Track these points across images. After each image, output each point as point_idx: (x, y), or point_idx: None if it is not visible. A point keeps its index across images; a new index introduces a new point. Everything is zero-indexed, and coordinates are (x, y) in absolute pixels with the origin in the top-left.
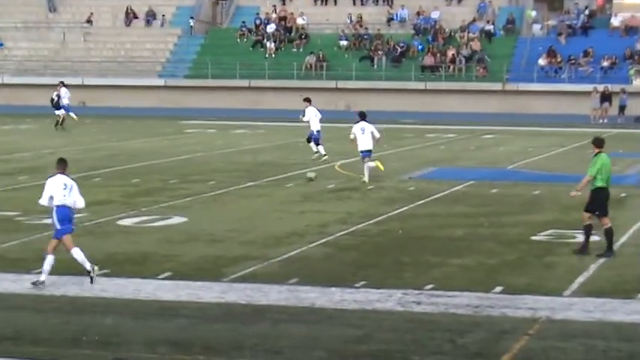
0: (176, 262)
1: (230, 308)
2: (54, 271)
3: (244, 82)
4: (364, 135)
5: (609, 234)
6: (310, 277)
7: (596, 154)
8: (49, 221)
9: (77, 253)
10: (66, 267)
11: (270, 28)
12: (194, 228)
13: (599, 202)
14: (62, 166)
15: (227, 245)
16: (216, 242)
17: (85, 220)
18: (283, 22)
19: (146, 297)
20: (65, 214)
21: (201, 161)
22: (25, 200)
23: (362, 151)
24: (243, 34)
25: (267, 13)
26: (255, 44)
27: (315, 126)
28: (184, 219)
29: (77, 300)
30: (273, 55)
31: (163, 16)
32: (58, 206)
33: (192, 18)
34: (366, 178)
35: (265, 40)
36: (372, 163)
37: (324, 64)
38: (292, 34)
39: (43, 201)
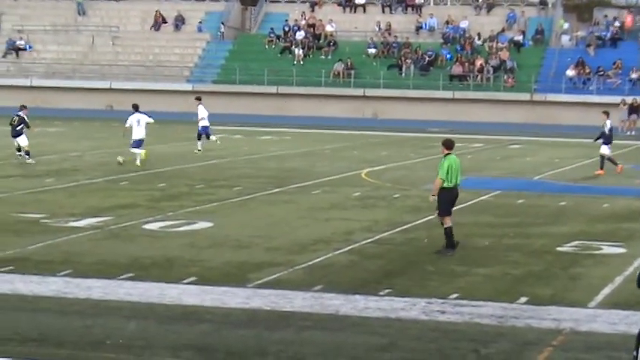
0: (201, 267)
1: (254, 314)
2: (79, 274)
3: (272, 89)
4: (139, 126)
5: (449, 234)
6: (335, 285)
7: (445, 156)
8: (74, 224)
9: None
10: (91, 270)
11: (299, 34)
12: (219, 233)
13: (445, 202)
14: None
15: (252, 251)
16: (242, 248)
17: (111, 223)
18: (312, 29)
19: (171, 301)
20: None
21: (227, 167)
22: (51, 203)
23: (136, 140)
24: (272, 41)
25: (295, 20)
26: (283, 51)
27: (204, 122)
28: (210, 224)
29: (101, 303)
30: (301, 62)
31: (200, 22)
32: None
33: (222, 24)
34: (138, 162)
35: (293, 47)
36: (138, 150)
37: (352, 71)
38: (320, 41)
39: None
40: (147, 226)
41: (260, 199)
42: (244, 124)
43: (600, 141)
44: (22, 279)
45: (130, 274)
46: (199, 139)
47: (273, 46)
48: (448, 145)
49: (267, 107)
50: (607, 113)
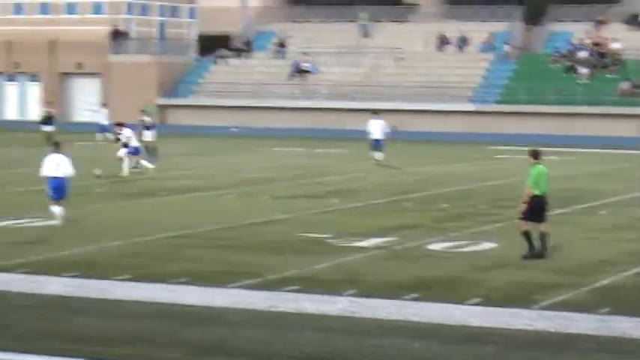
0: (485, 287)
1: (539, 336)
2: (364, 293)
3: (556, 108)
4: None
5: (544, 239)
6: (622, 307)
7: (533, 165)
8: (359, 243)
9: None
10: (376, 289)
11: (584, 53)
12: (504, 254)
13: (533, 209)
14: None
15: (536, 272)
16: (526, 269)
17: (395, 243)
18: (597, 48)
19: (455, 322)
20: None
21: (512, 187)
22: (336, 222)
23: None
24: (556, 60)
25: (580, 39)
26: (568, 69)
27: (134, 142)
28: (494, 245)
29: (387, 323)
30: (587, 81)
31: (484, 42)
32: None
33: (506, 44)
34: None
35: (578, 66)
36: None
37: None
38: (606, 60)
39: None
40: (431, 247)
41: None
42: (528, 144)
43: None
44: (307, 298)
45: (415, 295)
46: (375, 150)
47: (558, 66)
48: (535, 155)
49: (550, 127)
50: None
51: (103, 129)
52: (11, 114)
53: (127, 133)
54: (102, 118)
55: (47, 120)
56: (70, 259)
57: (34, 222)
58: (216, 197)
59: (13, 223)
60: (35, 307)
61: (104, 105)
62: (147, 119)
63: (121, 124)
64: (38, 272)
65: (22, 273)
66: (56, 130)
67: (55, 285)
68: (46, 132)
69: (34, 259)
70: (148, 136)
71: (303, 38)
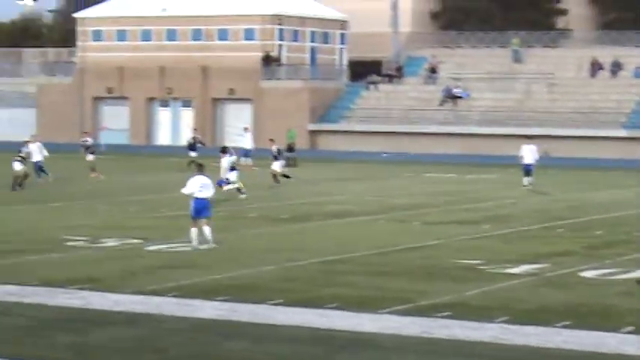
0: (639, 316)
1: None
2: (516, 320)
3: None
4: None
5: None
6: None
7: None
8: (510, 270)
9: None
10: (528, 316)
11: None
12: None
13: None
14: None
15: None
16: None
17: (547, 270)
18: None
19: (609, 350)
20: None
21: None
22: (487, 249)
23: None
24: None
25: None
26: None
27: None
28: None
29: (539, 350)
30: None
31: (638, 67)
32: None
33: None
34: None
35: None
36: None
37: None
38: None
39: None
40: (583, 274)
41: None
42: None
43: None
44: (459, 324)
45: (567, 322)
46: (526, 176)
47: None
48: None
49: None
50: None
51: (246, 153)
52: (164, 139)
53: (223, 163)
54: (246, 142)
55: (193, 146)
56: (222, 283)
57: (185, 246)
58: (368, 223)
59: (165, 247)
60: (187, 330)
61: (247, 129)
62: (274, 148)
63: (225, 150)
64: (190, 296)
65: (174, 296)
66: (201, 154)
67: (207, 309)
68: (191, 157)
69: (186, 283)
70: (277, 166)
71: (454, 64)
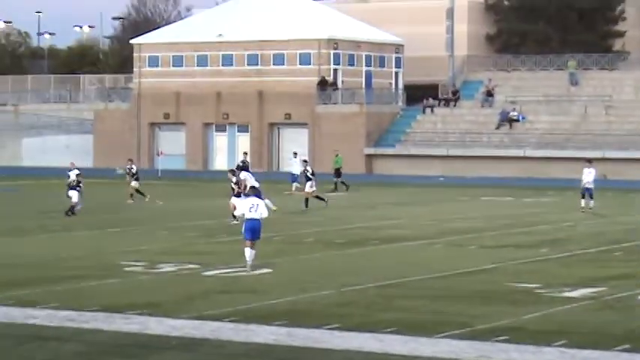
0: None
1: None
2: (574, 344)
3: None
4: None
5: None
6: None
7: None
8: (568, 294)
9: None
10: (586, 340)
11: None
12: None
13: None
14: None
15: None
16: None
17: (606, 294)
18: None
19: None
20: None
21: None
22: (545, 272)
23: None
24: None
25: None
26: None
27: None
28: None
29: None
30: None
31: None
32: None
33: None
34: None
35: None
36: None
37: None
38: None
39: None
40: None
41: None
42: None
43: None
44: (516, 348)
45: (626, 346)
46: (585, 199)
47: None
48: None
49: None
50: None
51: (294, 178)
52: (220, 164)
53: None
54: (294, 167)
55: (242, 169)
56: (279, 307)
57: (242, 271)
58: (425, 247)
59: (223, 272)
60: (243, 355)
61: (296, 155)
62: (308, 169)
63: (233, 171)
64: (247, 321)
65: (231, 321)
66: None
67: (264, 334)
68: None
69: (243, 308)
70: (308, 187)
71: (510, 87)
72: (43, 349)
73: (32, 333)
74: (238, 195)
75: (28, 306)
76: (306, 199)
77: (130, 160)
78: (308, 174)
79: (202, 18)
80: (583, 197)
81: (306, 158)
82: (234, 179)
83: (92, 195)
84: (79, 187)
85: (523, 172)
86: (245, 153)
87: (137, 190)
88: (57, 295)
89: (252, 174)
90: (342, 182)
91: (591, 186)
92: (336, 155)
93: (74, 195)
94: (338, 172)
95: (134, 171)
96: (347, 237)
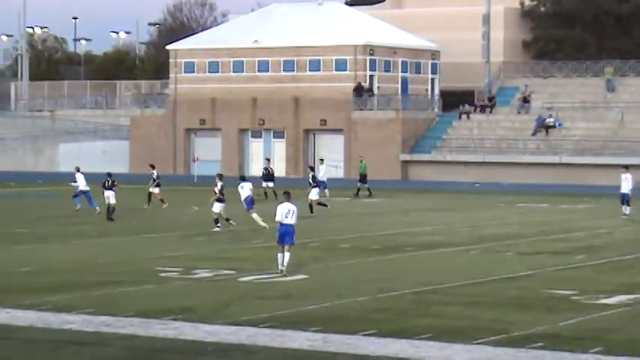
0: None
1: None
2: (610, 351)
3: None
4: (243, 190)
5: None
6: None
7: None
8: (605, 301)
9: None
10: (622, 347)
11: None
12: None
13: None
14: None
15: None
16: None
17: None
18: None
19: None
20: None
21: None
22: (581, 279)
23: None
24: None
25: None
26: None
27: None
28: None
29: None
30: None
31: None
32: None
33: None
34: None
35: None
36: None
37: None
38: None
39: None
40: None
41: None
42: None
43: None
44: (552, 355)
45: None
46: (623, 205)
47: None
48: None
49: None
50: None
51: (324, 185)
52: (257, 170)
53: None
54: (321, 174)
55: (267, 176)
56: (315, 313)
57: (278, 276)
58: (461, 253)
59: (258, 278)
60: None
61: (322, 161)
62: (315, 174)
63: (220, 176)
64: (282, 327)
65: (267, 327)
66: (275, 185)
67: (300, 339)
68: (264, 188)
69: (279, 314)
70: (313, 194)
71: (547, 93)
72: (80, 355)
73: (68, 338)
74: (219, 200)
75: (64, 311)
76: (310, 205)
77: (152, 166)
78: (316, 180)
79: (238, 24)
80: (622, 203)
81: (312, 165)
82: (219, 184)
83: (128, 201)
84: (114, 187)
85: (559, 178)
86: (267, 159)
87: (149, 195)
88: (93, 301)
89: (285, 180)
90: (367, 188)
91: (628, 192)
92: (361, 161)
93: (110, 195)
94: (363, 178)
95: (155, 176)
96: (383, 243)
